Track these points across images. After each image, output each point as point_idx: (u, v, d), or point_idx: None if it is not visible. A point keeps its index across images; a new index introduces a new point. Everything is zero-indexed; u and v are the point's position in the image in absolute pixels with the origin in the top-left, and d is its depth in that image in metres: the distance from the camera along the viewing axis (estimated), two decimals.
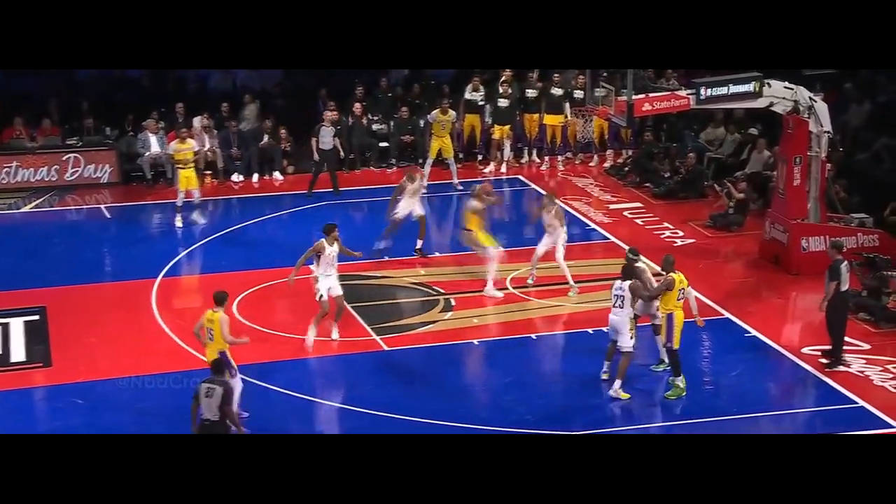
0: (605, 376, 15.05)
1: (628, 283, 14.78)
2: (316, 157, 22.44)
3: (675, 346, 14.62)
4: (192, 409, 12.48)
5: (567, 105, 23.94)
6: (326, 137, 22.45)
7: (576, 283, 17.85)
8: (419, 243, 19.33)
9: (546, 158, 24.39)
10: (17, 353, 16.08)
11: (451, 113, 22.78)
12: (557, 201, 18.24)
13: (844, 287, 15.28)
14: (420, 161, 23.75)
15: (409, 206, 19.12)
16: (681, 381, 14.78)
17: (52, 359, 15.88)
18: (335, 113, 22.98)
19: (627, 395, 14.75)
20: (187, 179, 20.74)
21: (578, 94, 23.34)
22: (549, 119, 24.12)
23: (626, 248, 16.39)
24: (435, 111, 22.67)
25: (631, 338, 14.77)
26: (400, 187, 19.35)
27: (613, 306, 14.86)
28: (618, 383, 14.79)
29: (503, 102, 23.96)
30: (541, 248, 17.96)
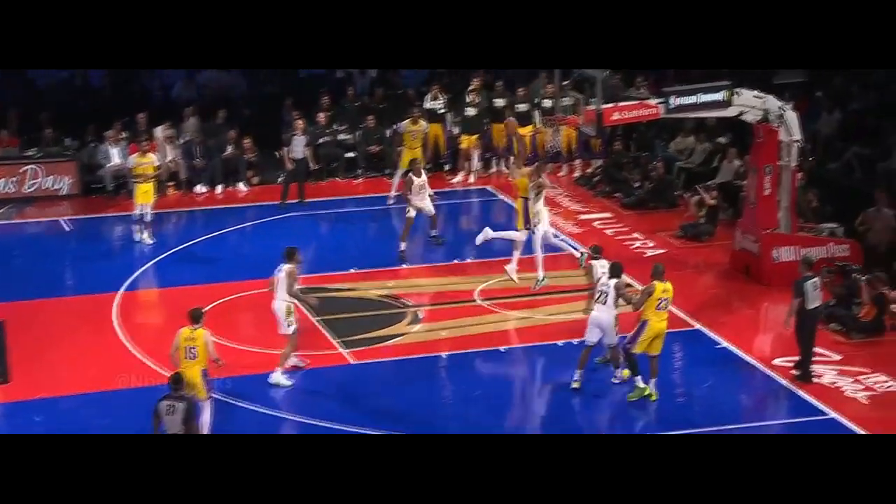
0: (576, 385, 15.08)
1: (615, 280, 14.87)
2: (289, 166, 22.40)
3: (637, 350, 14.68)
4: (153, 427, 12.41)
5: (536, 114, 24.01)
6: (298, 147, 22.41)
7: (545, 294, 17.92)
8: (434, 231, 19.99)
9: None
10: None
11: (422, 123, 22.77)
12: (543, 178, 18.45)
13: (813, 304, 15.29)
14: (388, 171, 23.73)
15: (420, 202, 19.30)
16: (640, 382, 14.84)
17: (10, 375, 15.71)
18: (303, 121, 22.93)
19: (628, 372, 15.05)
20: (145, 194, 20.49)
21: (547, 103, 23.42)
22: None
23: (586, 248, 16.67)
24: (405, 121, 22.65)
25: (616, 334, 15.03)
26: (408, 183, 19.45)
27: (597, 301, 15.00)
28: (618, 371, 15.20)
29: (471, 111, 24.00)
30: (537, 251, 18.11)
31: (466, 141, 24.07)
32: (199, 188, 23.53)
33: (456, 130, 24.35)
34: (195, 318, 13.69)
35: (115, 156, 23.04)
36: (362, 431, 14.09)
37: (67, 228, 21.69)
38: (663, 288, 14.68)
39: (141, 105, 24.51)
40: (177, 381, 12.61)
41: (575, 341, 16.37)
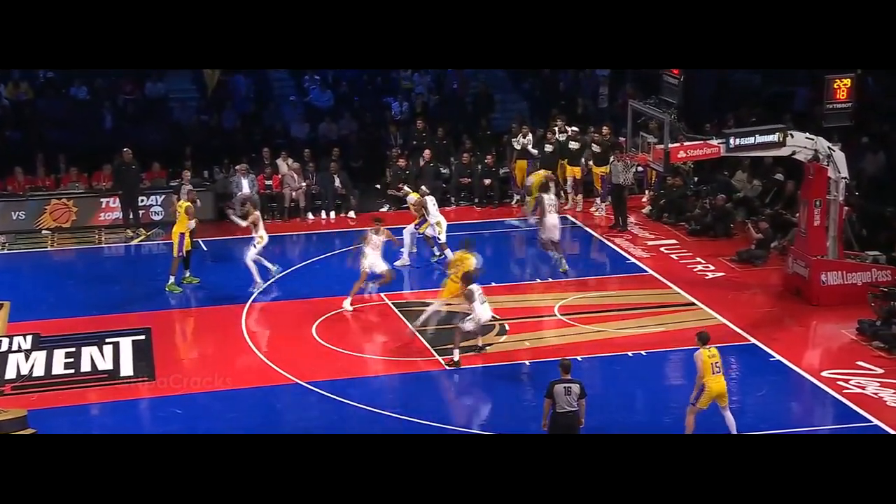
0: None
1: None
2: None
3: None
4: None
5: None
6: (244, 186, 22.56)
7: (617, 311, 17.87)
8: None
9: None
10: (126, 368, 16.33)
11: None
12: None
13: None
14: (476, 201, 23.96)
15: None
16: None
17: (155, 373, 16.11)
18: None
19: None
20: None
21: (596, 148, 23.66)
22: (594, 169, 24.15)
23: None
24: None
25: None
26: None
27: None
28: None
29: (549, 148, 24.20)
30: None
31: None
32: (311, 215, 23.89)
33: (536, 165, 24.48)
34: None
35: (244, 186, 23.54)
36: (452, 428, 14.23)
37: (205, 248, 22.15)
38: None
39: (265, 142, 25.05)
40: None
41: (644, 352, 16.37)
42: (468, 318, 16.16)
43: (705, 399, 13.63)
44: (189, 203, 19.82)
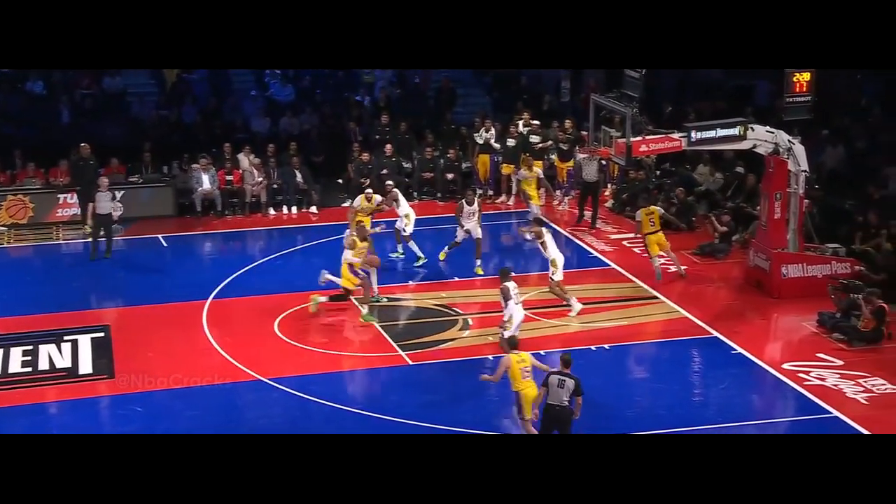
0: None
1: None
2: (90, 221, 20.98)
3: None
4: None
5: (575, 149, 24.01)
6: (103, 202, 20.66)
7: (581, 304, 17.91)
8: (478, 262, 19.68)
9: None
10: (85, 366, 16.17)
11: (376, 198, 20.26)
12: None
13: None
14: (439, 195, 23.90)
15: (468, 226, 19.57)
16: None
17: (114, 371, 15.96)
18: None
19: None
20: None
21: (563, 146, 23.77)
22: (559, 163, 24.23)
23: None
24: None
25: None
26: (459, 208, 19.76)
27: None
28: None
29: (511, 143, 24.22)
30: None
31: (506, 169, 24.25)
32: (272, 210, 23.76)
33: (499, 159, 24.53)
34: (512, 344, 13.80)
35: (205, 181, 23.38)
36: (415, 423, 14.20)
37: (164, 244, 22.00)
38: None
39: (226, 137, 24.88)
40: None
41: (607, 346, 16.44)
42: (505, 322, 15.94)
43: (527, 407, 13.40)
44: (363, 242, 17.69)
